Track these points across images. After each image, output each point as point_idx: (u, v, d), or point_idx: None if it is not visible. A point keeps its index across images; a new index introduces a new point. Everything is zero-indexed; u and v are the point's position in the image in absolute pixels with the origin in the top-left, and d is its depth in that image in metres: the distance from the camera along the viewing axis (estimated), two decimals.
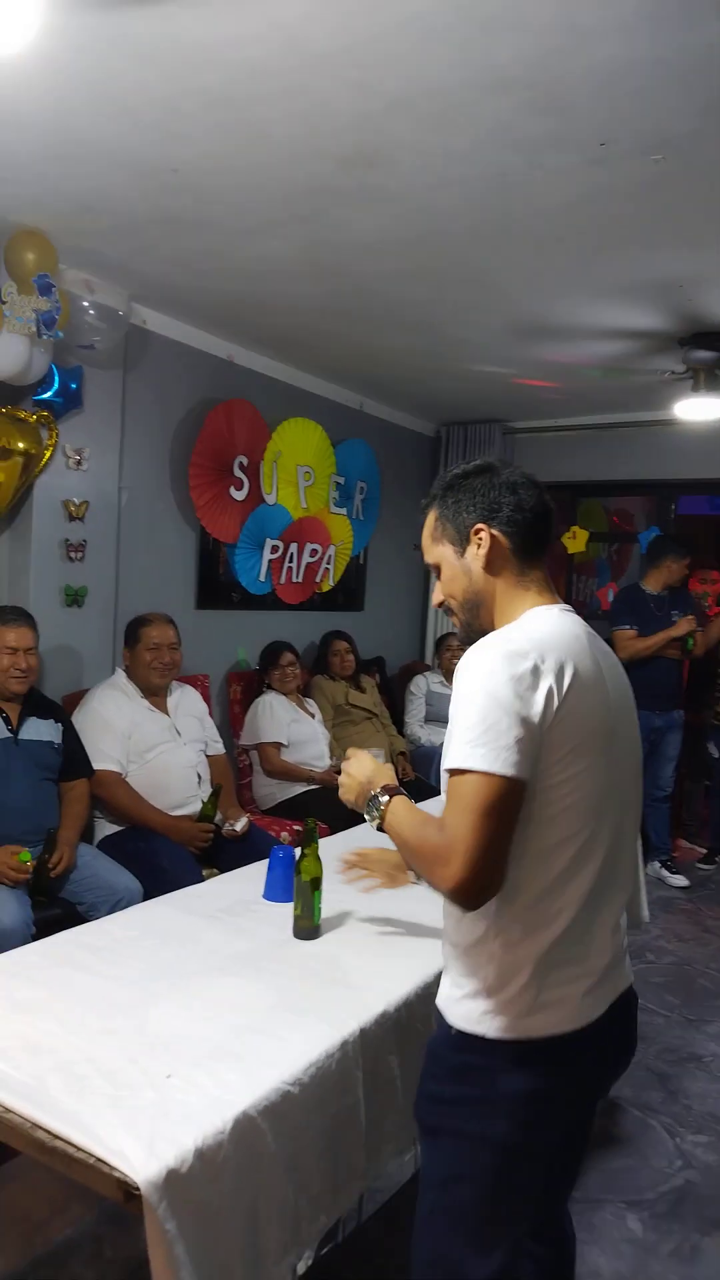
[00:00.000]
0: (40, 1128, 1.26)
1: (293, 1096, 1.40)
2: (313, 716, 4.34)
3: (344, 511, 5.02)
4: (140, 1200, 1.15)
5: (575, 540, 5.59)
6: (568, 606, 1.34)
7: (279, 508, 4.50)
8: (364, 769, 1.44)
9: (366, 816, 1.36)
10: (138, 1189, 1.15)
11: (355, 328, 3.92)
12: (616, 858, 1.27)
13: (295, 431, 4.54)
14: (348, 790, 1.45)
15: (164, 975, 1.74)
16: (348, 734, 4.58)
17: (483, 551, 1.33)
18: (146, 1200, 1.15)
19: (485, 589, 1.35)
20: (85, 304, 3.31)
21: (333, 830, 3.88)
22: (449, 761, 1.17)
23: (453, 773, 1.16)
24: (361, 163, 2.43)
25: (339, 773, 4.41)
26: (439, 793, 1.33)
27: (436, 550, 1.39)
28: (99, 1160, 1.19)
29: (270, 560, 4.53)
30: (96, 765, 3.14)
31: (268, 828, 3.64)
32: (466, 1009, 1.25)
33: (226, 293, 3.52)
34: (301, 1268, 1.52)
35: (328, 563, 4.94)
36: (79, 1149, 1.21)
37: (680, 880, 4.75)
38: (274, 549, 4.53)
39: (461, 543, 1.36)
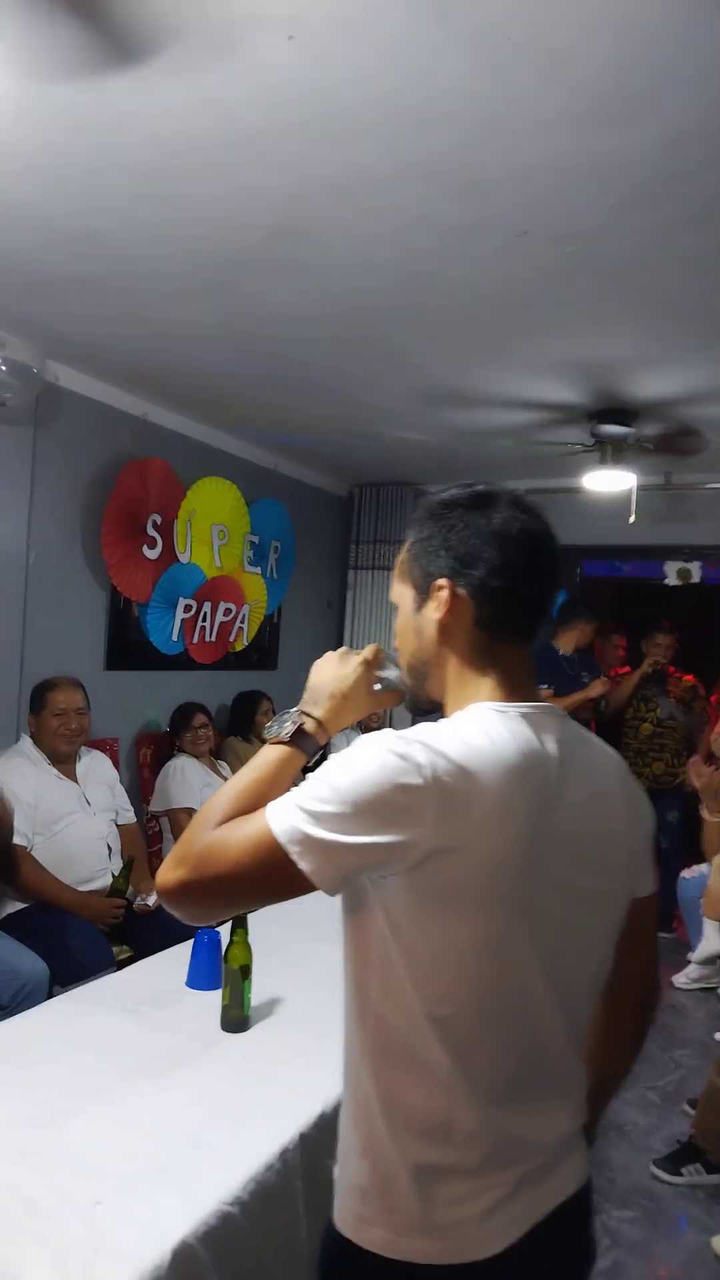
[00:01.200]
0: None
1: (233, 1217, 1.31)
2: (225, 780, 4.23)
3: (258, 570, 4.98)
4: None
5: None
6: (532, 709, 1.02)
7: (193, 566, 4.43)
8: (328, 672, 1.20)
9: (268, 730, 1.14)
10: None
11: (271, 391, 3.93)
12: (541, 1045, 1.00)
13: (210, 490, 4.50)
14: (312, 676, 1.21)
15: (83, 1083, 1.63)
16: None
17: (437, 615, 1.05)
18: None
19: (435, 659, 1.07)
20: None
21: None
22: (278, 800, 0.96)
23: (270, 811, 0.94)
24: (285, 239, 2.45)
25: None
26: None
27: (398, 588, 1.12)
28: None
29: (183, 619, 4.45)
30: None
31: None
32: (343, 1203, 1.03)
33: (143, 353, 3.49)
34: None
35: (241, 622, 4.88)
36: None
37: None
38: (187, 608, 4.45)
39: (423, 592, 1.07)
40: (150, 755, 4.31)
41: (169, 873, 0.97)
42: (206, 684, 4.67)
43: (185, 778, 4.03)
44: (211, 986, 2.07)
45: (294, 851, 0.90)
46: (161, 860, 4.02)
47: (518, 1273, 0.98)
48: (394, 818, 0.89)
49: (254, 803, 0.98)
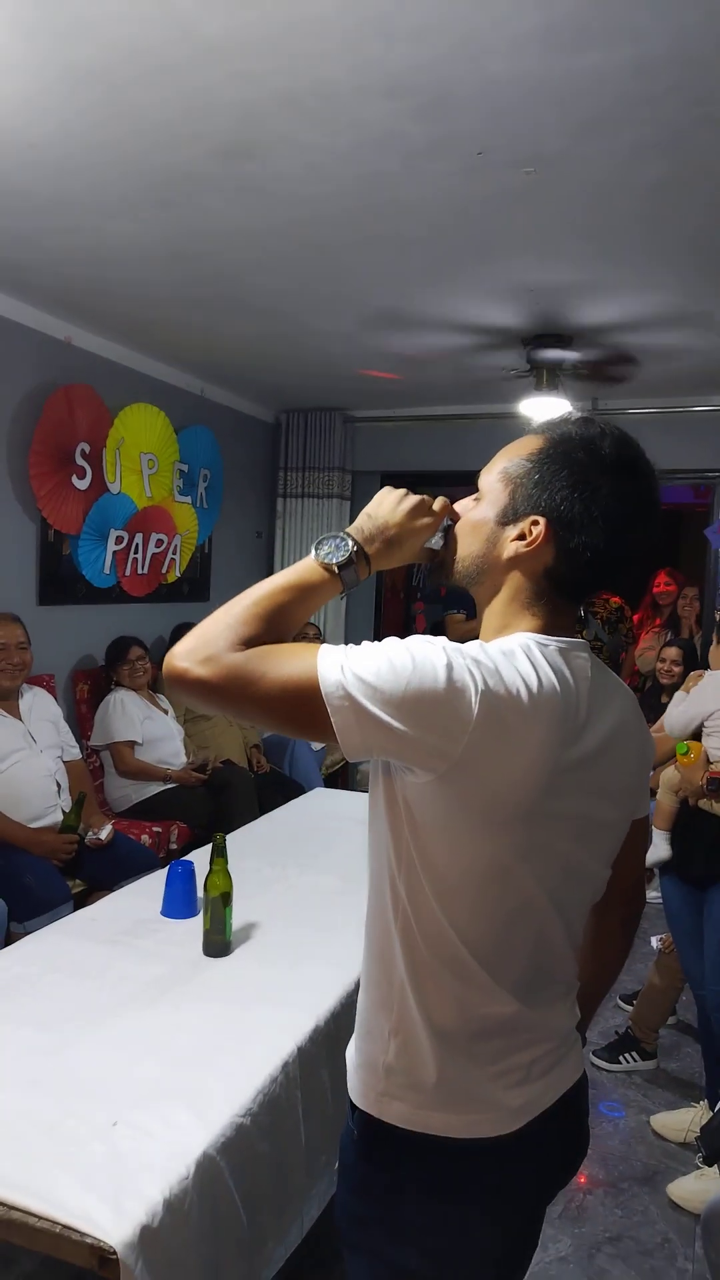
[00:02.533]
0: None
1: (246, 1128, 1.37)
2: (166, 713, 4.22)
3: (188, 500, 4.89)
4: (116, 1264, 1.10)
5: None
6: (569, 643, 1.03)
7: (123, 497, 4.32)
8: (388, 502, 1.11)
9: (319, 553, 1.05)
10: (114, 1252, 1.10)
11: (203, 314, 3.81)
12: (552, 941, 1.06)
13: (138, 418, 4.37)
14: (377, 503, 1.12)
15: (79, 1013, 1.65)
16: (200, 729, 4.49)
17: (519, 546, 1.02)
18: (124, 1264, 1.10)
19: (494, 574, 1.06)
20: None
21: (194, 833, 3.83)
22: (333, 647, 0.94)
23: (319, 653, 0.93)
24: (239, 154, 2.36)
25: (198, 769, 4.29)
26: (300, 786, 1.09)
27: (495, 486, 1.06)
28: (65, 1228, 1.13)
29: (115, 552, 4.35)
30: None
31: (125, 831, 3.53)
32: (363, 1081, 1.07)
33: (74, 273, 3.32)
34: None
35: (173, 553, 4.80)
36: (41, 1218, 1.14)
37: None
38: (118, 540, 4.35)
39: (515, 512, 1.03)
40: (87, 690, 4.25)
41: (189, 666, 0.93)
42: (140, 617, 4.60)
43: (125, 710, 4.00)
44: (187, 915, 2.11)
45: (332, 705, 0.89)
46: (104, 794, 4.01)
47: (527, 1153, 1.05)
48: (436, 723, 0.89)
49: (277, 618, 0.98)
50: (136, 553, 4.50)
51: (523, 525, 1.02)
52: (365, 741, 0.91)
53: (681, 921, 2.70)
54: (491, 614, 1.07)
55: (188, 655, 0.94)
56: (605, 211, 2.65)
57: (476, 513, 1.08)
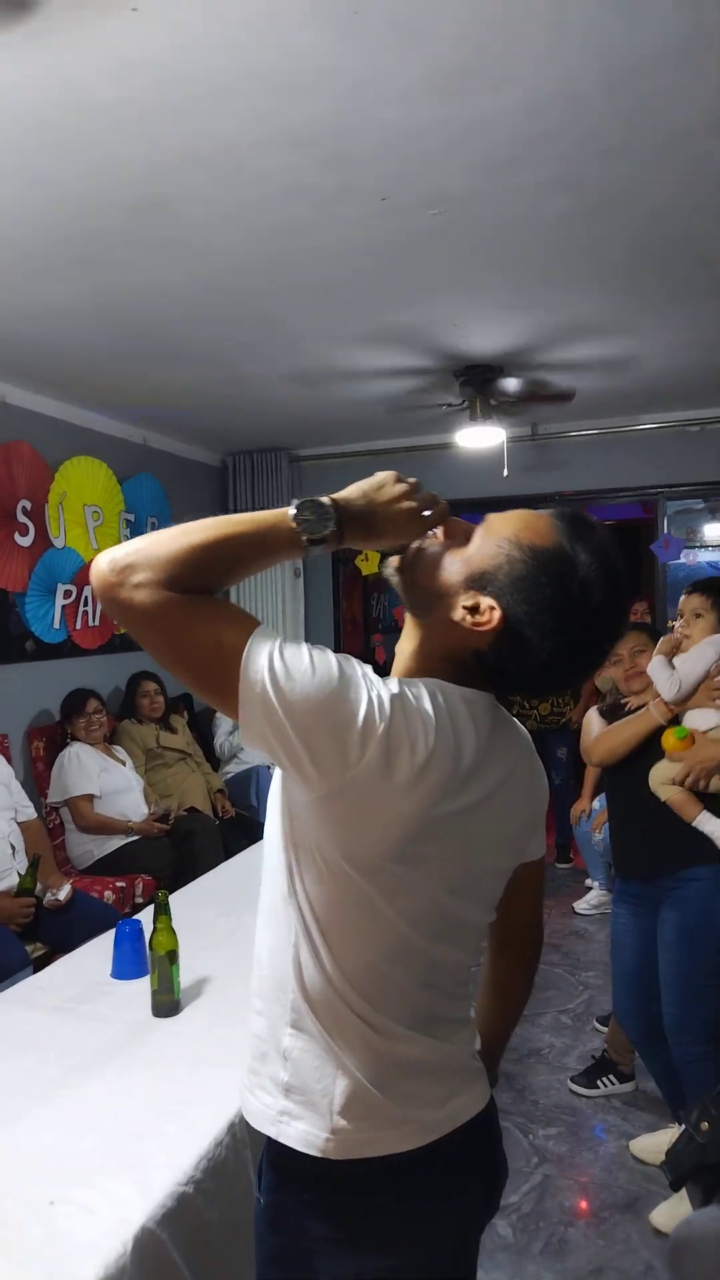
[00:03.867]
0: None
1: (188, 1196, 1.34)
2: (123, 764, 4.18)
3: None
4: None
5: (367, 562, 5.76)
6: (477, 696, 1.03)
7: (69, 551, 4.31)
8: (388, 491, 1.02)
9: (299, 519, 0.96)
10: None
11: (140, 366, 3.83)
12: (440, 978, 1.06)
13: (79, 471, 4.37)
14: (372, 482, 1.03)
15: (24, 1086, 1.61)
16: (161, 777, 4.45)
17: (465, 619, 0.99)
18: None
19: (430, 629, 1.04)
20: None
21: (159, 884, 3.77)
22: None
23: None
24: (149, 213, 2.39)
25: (161, 819, 4.23)
26: (262, 821, 1.07)
27: (488, 542, 1.01)
28: None
29: (64, 606, 4.33)
30: None
31: (88, 889, 3.47)
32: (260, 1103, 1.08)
33: (2, 335, 3.33)
34: None
35: None
36: None
37: None
38: (67, 594, 4.33)
39: (480, 585, 0.99)
40: (43, 748, 4.20)
41: (121, 581, 0.89)
42: (94, 669, 4.57)
43: (81, 764, 3.96)
44: (138, 975, 2.07)
45: (247, 688, 0.88)
46: (65, 851, 3.94)
47: (430, 1175, 1.04)
48: (330, 750, 0.88)
49: (223, 571, 0.93)
50: (86, 605, 4.48)
51: (483, 603, 0.98)
52: (262, 733, 0.89)
53: (621, 945, 2.66)
54: (414, 652, 1.06)
55: (123, 570, 0.89)
56: (516, 246, 2.72)
57: (459, 553, 1.03)
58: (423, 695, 0.96)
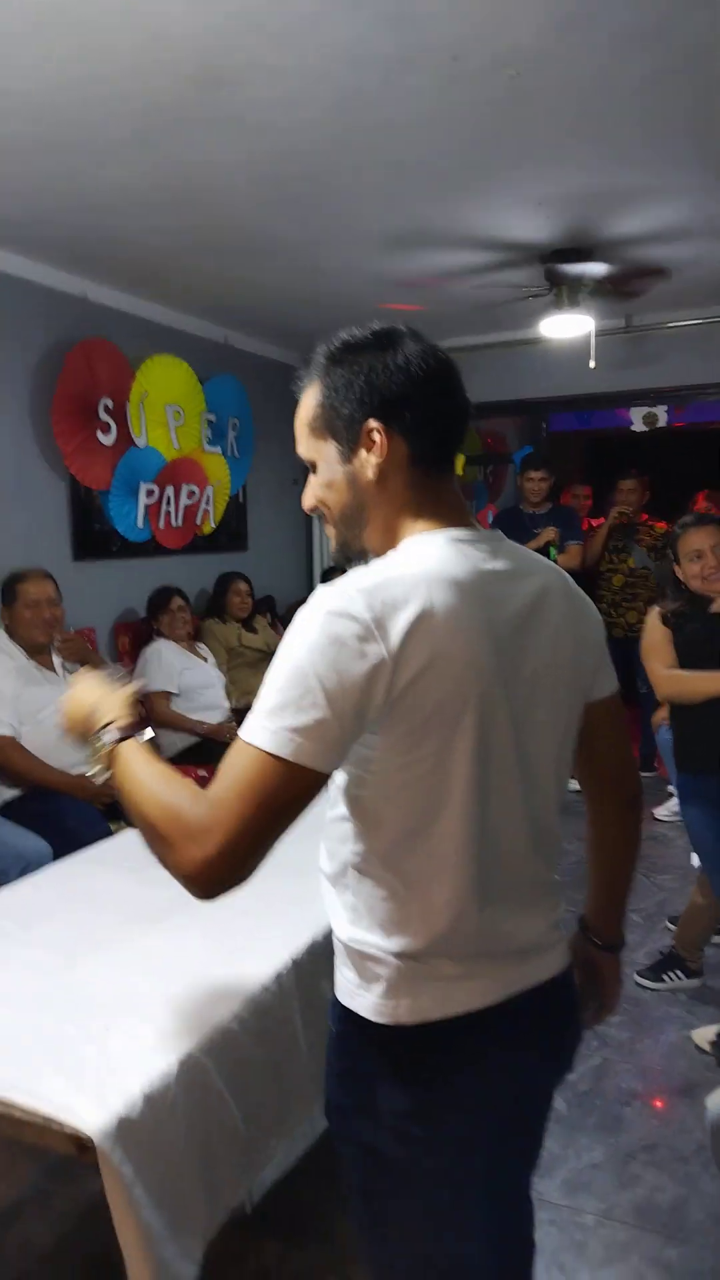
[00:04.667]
0: None
1: (233, 1032, 1.42)
2: (205, 660, 4.29)
3: (218, 450, 4.90)
4: (94, 1151, 1.15)
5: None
6: (466, 532, 1.05)
7: (150, 450, 4.36)
8: (90, 693, 1.15)
9: (86, 762, 1.09)
10: (90, 1140, 1.15)
11: (214, 258, 3.78)
12: (504, 840, 1.05)
13: (160, 370, 4.38)
14: (70, 720, 1.16)
15: (87, 934, 1.72)
16: (243, 676, 4.56)
17: (375, 460, 1.04)
18: (100, 1150, 1.15)
19: (372, 504, 1.07)
20: None
21: None
22: (244, 726, 0.95)
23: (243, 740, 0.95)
24: (211, 82, 2.32)
25: (234, 722, 4.34)
26: None
27: (314, 444, 1.09)
28: (47, 1119, 1.19)
29: (147, 505, 4.40)
30: None
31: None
32: (341, 976, 1.11)
33: (77, 224, 3.33)
34: (258, 1191, 1.56)
35: (206, 504, 4.83)
36: (27, 1111, 1.20)
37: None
38: (149, 493, 4.40)
39: (349, 441, 1.05)
40: (129, 642, 4.34)
41: (187, 868, 0.95)
42: (178, 569, 4.66)
43: (163, 661, 4.07)
44: None
45: (291, 754, 0.91)
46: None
47: (494, 1040, 1.06)
48: (353, 665, 0.91)
49: (169, 797, 0.98)
50: (169, 505, 4.55)
51: (361, 442, 1.04)
52: (335, 746, 0.93)
53: (705, 843, 2.65)
54: (383, 539, 1.08)
55: (179, 854, 0.96)
56: (599, 111, 2.54)
57: (322, 476, 1.09)
58: (408, 556, 1.00)
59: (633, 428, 5.25)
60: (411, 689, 0.93)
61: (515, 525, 4.85)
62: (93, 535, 4.19)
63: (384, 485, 1.05)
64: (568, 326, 3.98)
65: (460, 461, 5.68)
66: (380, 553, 1.07)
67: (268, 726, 0.92)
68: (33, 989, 1.52)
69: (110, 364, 4.07)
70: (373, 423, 1.03)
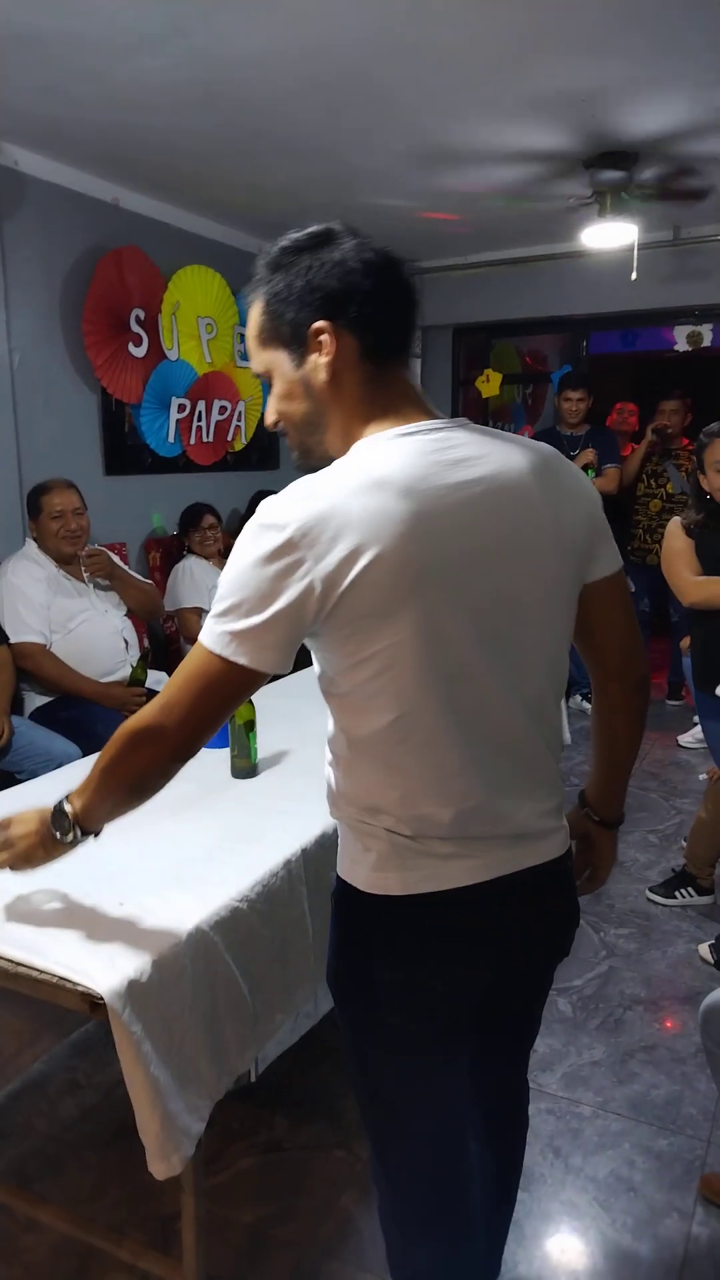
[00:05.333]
0: (2, 958, 1.31)
1: (241, 911, 1.48)
2: None
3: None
4: (105, 1009, 1.22)
5: (489, 384, 5.55)
6: (417, 425, 1.05)
7: (182, 363, 4.32)
8: (25, 823, 1.30)
9: (65, 840, 1.26)
10: (101, 999, 1.22)
11: (247, 162, 3.69)
12: (490, 726, 1.07)
13: (193, 280, 4.32)
14: (27, 856, 1.30)
15: (111, 822, 1.78)
16: None
17: (326, 359, 1.04)
18: (111, 1007, 1.22)
19: (328, 408, 1.08)
20: None
21: None
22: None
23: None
24: None
25: None
26: None
27: (265, 356, 1.10)
28: (62, 979, 1.26)
29: (178, 420, 4.39)
30: (18, 638, 3.10)
31: None
32: (340, 850, 1.17)
33: (106, 123, 3.26)
34: (264, 1063, 1.65)
35: (239, 420, 4.81)
36: (42, 971, 1.27)
37: None
38: (181, 408, 4.39)
39: (298, 346, 1.06)
40: (159, 558, 4.38)
41: (156, 760, 1.11)
42: (209, 486, 4.66)
43: (194, 578, 4.11)
44: (220, 745, 2.21)
45: (229, 653, 1.00)
46: (181, 656, 4.20)
47: (485, 914, 1.11)
48: (283, 576, 0.96)
49: (118, 748, 1.17)
50: (200, 420, 4.53)
51: (310, 346, 1.05)
52: (274, 649, 1.00)
53: None
54: (340, 442, 1.09)
55: (133, 753, 1.14)
56: None
57: (278, 387, 1.11)
58: (341, 464, 1.03)
59: (675, 348, 5.09)
60: (348, 593, 0.96)
61: (553, 446, 4.78)
62: (124, 449, 4.20)
63: (338, 386, 1.07)
64: (610, 236, 3.85)
65: (496, 381, 5.58)
66: (339, 456, 1.07)
67: (212, 629, 1.01)
68: (56, 866, 1.58)
69: (142, 273, 4.02)
70: (319, 323, 1.04)
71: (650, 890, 3.06)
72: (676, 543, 2.65)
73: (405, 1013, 1.12)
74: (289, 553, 0.96)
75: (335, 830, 1.74)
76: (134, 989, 1.25)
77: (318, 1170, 1.92)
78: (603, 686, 1.28)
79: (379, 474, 0.99)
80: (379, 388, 1.07)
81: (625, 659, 1.24)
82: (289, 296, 1.05)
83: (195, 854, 1.64)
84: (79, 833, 1.25)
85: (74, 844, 1.26)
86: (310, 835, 1.70)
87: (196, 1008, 1.37)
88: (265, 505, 1.00)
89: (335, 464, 1.04)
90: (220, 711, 1.07)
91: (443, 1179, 1.20)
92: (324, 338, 1.04)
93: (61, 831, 1.24)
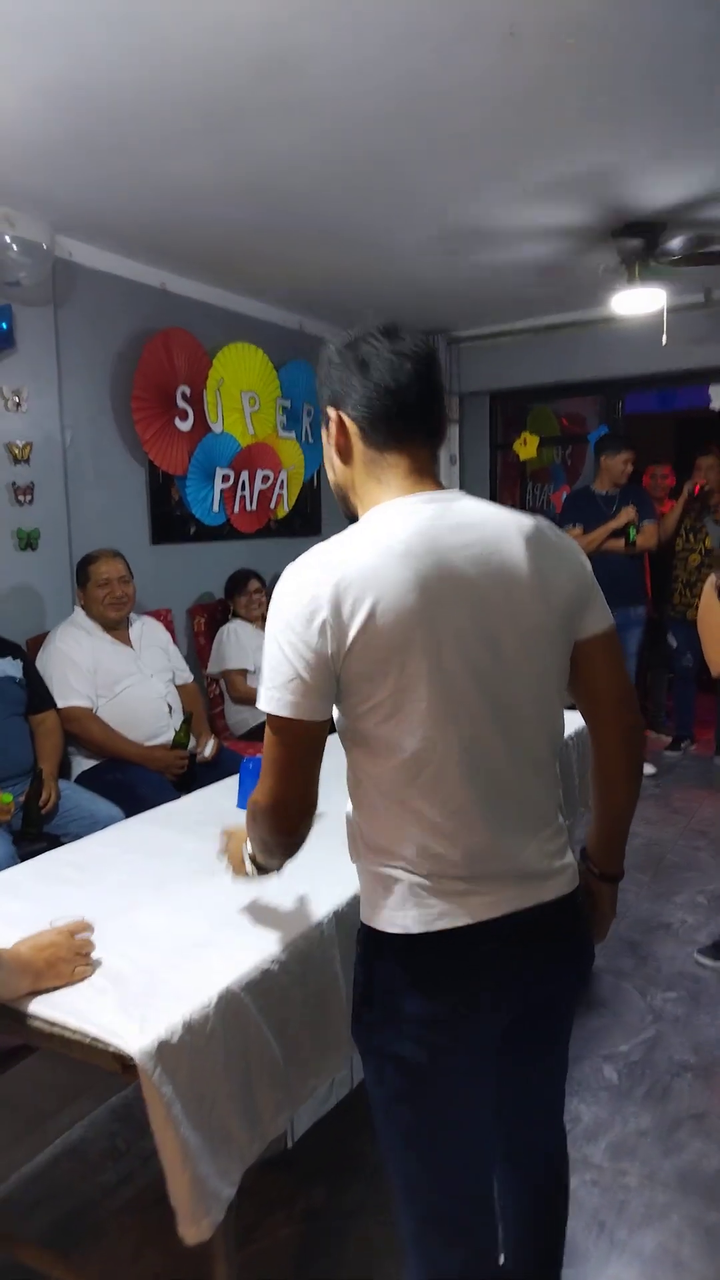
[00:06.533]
0: (38, 1017, 1.35)
1: (272, 973, 1.50)
2: None
3: (293, 435, 5.00)
4: (135, 1070, 1.25)
5: (526, 446, 5.63)
6: (418, 497, 1.19)
7: (226, 436, 4.48)
8: (238, 838, 1.54)
9: (251, 873, 1.49)
10: (132, 1060, 1.25)
11: (285, 246, 3.87)
12: (490, 768, 1.16)
13: (236, 357, 4.50)
14: (235, 869, 1.57)
15: (146, 883, 1.83)
16: None
17: (331, 439, 1.26)
18: (141, 1067, 1.25)
19: (345, 480, 1.27)
20: (6, 239, 3.24)
21: None
22: None
23: None
24: (273, 69, 2.39)
25: None
26: None
27: (323, 435, 1.31)
28: (94, 1040, 1.29)
29: (222, 490, 4.53)
30: (66, 702, 3.20)
31: (244, 751, 3.73)
32: (362, 898, 1.27)
33: (152, 216, 3.46)
34: (299, 1130, 1.65)
35: (281, 488, 4.94)
36: (75, 1031, 1.31)
37: (648, 768, 4.93)
38: (225, 478, 4.53)
39: (325, 426, 1.27)
40: (204, 624, 4.48)
41: (266, 821, 1.28)
42: (253, 553, 4.78)
43: (239, 640, 4.20)
44: None
45: (289, 713, 1.13)
46: (224, 719, 4.26)
47: (504, 944, 1.18)
48: (304, 631, 1.10)
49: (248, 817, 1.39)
50: (244, 490, 4.67)
51: (327, 428, 1.26)
52: (317, 699, 1.13)
53: None
54: (361, 508, 1.26)
55: (260, 814, 1.30)
56: (658, 75, 2.51)
57: (324, 459, 1.32)
58: (349, 533, 1.17)
59: (712, 405, 5.13)
60: (357, 641, 1.10)
61: (587, 506, 4.82)
62: (170, 519, 4.34)
63: (348, 460, 1.25)
64: (639, 302, 3.93)
65: (534, 443, 5.65)
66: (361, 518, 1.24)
67: (264, 694, 1.15)
68: (94, 926, 1.63)
69: (188, 352, 4.21)
70: (329, 411, 1.25)
71: (699, 953, 2.99)
72: (708, 608, 2.65)
73: (432, 1049, 1.17)
74: (311, 611, 1.10)
75: None
76: (164, 1050, 1.28)
77: (355, 1239, 1.89)
78: (597, 737, 1.33)
79: (387, 540, 1.13)
80: (381, 463, 1.22)
81: (617, 709, 1.30)
82: (319, 388, 1.27)
83: (228, 915, 1.67)
84: (256, 869, 1.47)
85: (259, 875, 1.48)
86: (343, 896, 1.71)
87: (229, 1070, 1.39)
88: (290, 572, 1.15)
89: (351, 529, 1.18)
90: (290, 763, 1.19)
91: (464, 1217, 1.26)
92: (331, 423, 1.25)
93: (250, 864, 1.47)
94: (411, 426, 1.22)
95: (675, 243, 3.69)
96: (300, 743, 1.16)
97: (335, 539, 1.16)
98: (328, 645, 1.10)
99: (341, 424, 1.23)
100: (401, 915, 1.18)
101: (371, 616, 1.09)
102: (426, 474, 1.23)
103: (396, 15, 2.16)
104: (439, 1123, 1.21)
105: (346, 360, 1.22)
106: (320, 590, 1.10)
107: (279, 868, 1.43)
